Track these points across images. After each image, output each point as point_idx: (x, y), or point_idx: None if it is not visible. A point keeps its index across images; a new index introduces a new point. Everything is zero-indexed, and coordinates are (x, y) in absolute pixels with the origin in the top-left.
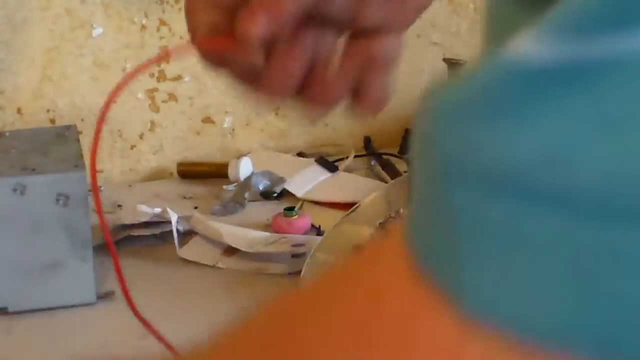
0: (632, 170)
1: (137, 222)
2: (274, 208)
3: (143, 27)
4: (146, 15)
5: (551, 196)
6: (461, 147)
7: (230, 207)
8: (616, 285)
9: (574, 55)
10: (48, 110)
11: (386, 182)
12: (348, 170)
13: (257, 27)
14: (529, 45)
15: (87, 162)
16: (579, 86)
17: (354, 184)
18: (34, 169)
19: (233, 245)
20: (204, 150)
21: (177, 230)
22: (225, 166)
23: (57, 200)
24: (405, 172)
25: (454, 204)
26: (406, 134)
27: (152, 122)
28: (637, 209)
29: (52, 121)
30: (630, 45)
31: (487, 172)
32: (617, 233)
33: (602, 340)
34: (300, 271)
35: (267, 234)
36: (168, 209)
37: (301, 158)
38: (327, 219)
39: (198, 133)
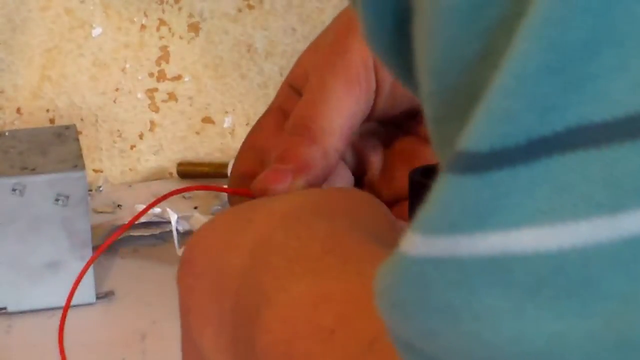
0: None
1: (137, 222)
2: None
3: (143, 27)
4: (146, 15)
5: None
6: (382, 314)
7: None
8: None
9: (420, 251)
10: (47, 110)
11: None
12: None
13: (273, 185)
14: (406, 237)
15: (87, 162)
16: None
17: None
18: (33, 169)
19: None
20: (203, 150)
21: (177, 230)
22: (225, 166)
23: (57, 200)
24: None
25: (395, 346)
26: None
27: (152, 122)
28: None
29: (52, 121)
30: (464, 249)
31: (397, 336)
32: None
33: None
34: None
35: None
36: (168, 209)
37: None
38: None
39: (198, 133)
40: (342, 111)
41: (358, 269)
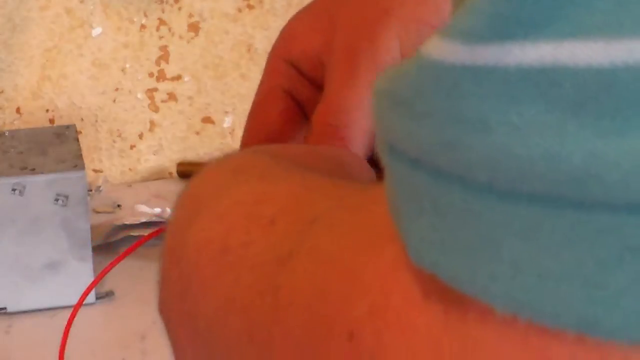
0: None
1: (137, 222)
2: None
3: (142, 26)
4: (145, 15)
5: (450, 173)
6: (390, 127)
7: None
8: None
9: (460, 59)
10: (47, 110)
11: None
12: None
13: None
14: (437, 45)
15: (87, 162)
16: (451, 88)
17: None
18: (33, 169)
19: None
20: (203, 150)
21: None
22: None
23: (56, 200)
24: None
25: (390, 166)
26: None
27: (152, 122)
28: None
29: (52, 121)
30: (505, 57)
31: (407, 150)
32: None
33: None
34: None
35: None
36: (168, 209)
37: None
38: None
39: (198, 133)
40: (370, 117)
41: (303, 176)
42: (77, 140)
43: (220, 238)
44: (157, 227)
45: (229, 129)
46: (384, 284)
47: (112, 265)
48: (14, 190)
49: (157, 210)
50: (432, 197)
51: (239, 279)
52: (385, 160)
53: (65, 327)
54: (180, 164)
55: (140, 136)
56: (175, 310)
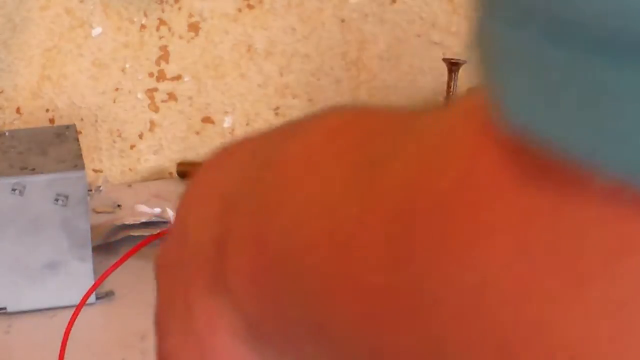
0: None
1: (137, 222)
2: None
3: (142, 26)
4: (145, 15)
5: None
6: None
7: None
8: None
9: None
10: (47, 110)
11: None
12: None
13: None
14: None
15: (87, 162)
16: None
17: None
18: (33, 169)
19: None
20: (203, 150)
21: None
22: None
23: (56, 200)
24: None
25: (492, 32)
26: None
27: (152, 122)
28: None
29: (52, 121)
30: None
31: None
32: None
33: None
34: None
35: None
36: (168, 209)
37: None
38: None
39: (198, 133)
40: None
41: (378, 110)
42: (77, 140)
43: (316, 151)
44: (157, 228)
45: (229, 129)
46: (472, 152)
47: (115, 266)
48: (14, 190)
49: (157, 210)
50: (537, 56)
51: (328, 180)
52: (482, 19)
53: (66, 328)
54: (180, 164)
55: (140, 136)
56: (239, 236)
